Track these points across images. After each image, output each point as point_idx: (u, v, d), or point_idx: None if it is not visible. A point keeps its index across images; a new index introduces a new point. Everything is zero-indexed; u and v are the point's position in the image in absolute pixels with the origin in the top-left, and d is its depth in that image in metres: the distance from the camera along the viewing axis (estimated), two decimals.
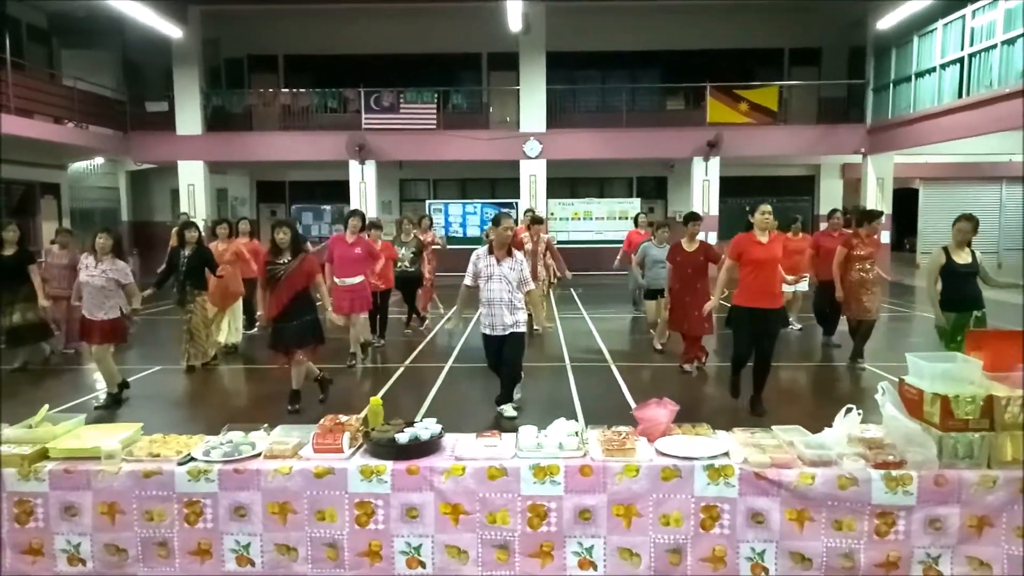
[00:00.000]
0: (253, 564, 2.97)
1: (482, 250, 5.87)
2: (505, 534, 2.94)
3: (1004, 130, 13.15)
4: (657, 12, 18.14)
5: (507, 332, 5.76)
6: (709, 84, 17.77)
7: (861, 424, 3.15)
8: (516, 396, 6.19)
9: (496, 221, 5.84)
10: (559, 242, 18.06)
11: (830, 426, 3.17)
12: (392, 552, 2.95)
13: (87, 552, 2.98)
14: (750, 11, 18.09)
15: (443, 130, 17.77)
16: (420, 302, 10.39)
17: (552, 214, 18.85)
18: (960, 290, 5.78)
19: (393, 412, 3.46)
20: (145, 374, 7.81)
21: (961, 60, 14.08)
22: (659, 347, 8.68)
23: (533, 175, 18.11)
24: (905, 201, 20.67)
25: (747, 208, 6.18)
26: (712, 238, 17.05)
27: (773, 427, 3.31)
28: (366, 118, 17.75)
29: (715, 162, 17.81)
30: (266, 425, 3.28)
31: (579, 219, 19.36)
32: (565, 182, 19.82)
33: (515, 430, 3.29)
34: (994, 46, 13.06)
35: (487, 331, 5.83)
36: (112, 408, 6.39)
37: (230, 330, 8.90)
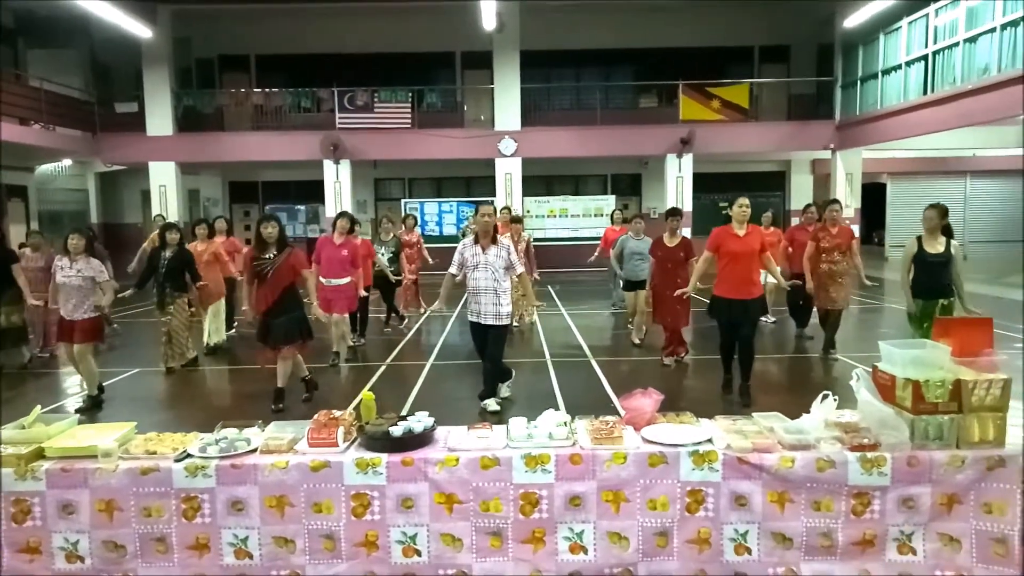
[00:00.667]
0: (251, 557, 3.02)
1: (468, 240, 5.95)
2: (498, 521, 3.03)
3: (968, 125, 13.54)
4: (630, 11, 18.32)
5: (491, 323, 5.83)
6: (681, 82, 17.99)
7: (837, 410, 3.29)
8: (506, 393, 6.29)
9: (476, 211, 5.94)
10: (535, 239, 18.22)
11: (808, 412, 3.30)
12: (388, 542, 3.01)
13: (85, 549, 3.01)
14: (721, 9, 18.35)
15: (418, 129, 17.78)
16: (399, 300, 10.43)
17: (528, 212, 18.95)
18: (929, 278, 5.96)
19: (377, 409, 3.52)
20: (124, 376, 7.76)
21: (926, 57, 14.44)
22: (637, 341, 8.83)
23: (508, 173, 18.20)
24: (874, 195, 21.09)
25: (720, 204, 6.38)
26: (686, 233, 17.28)
27: (754, 414, 3.43)
28: (340, 117, 17.70)
29: (688, 159, 18.04)
30: (260, 422, 3.33)
31: (555, 216, 19.48)
32: (540, 180, 19.93)
33: (502, 423, 3.38)
34: (957, 44, 13.41)
35: (473, 318, 5.91)
36: (93, 411, 6.35)
37: (212, 330, 8.87)
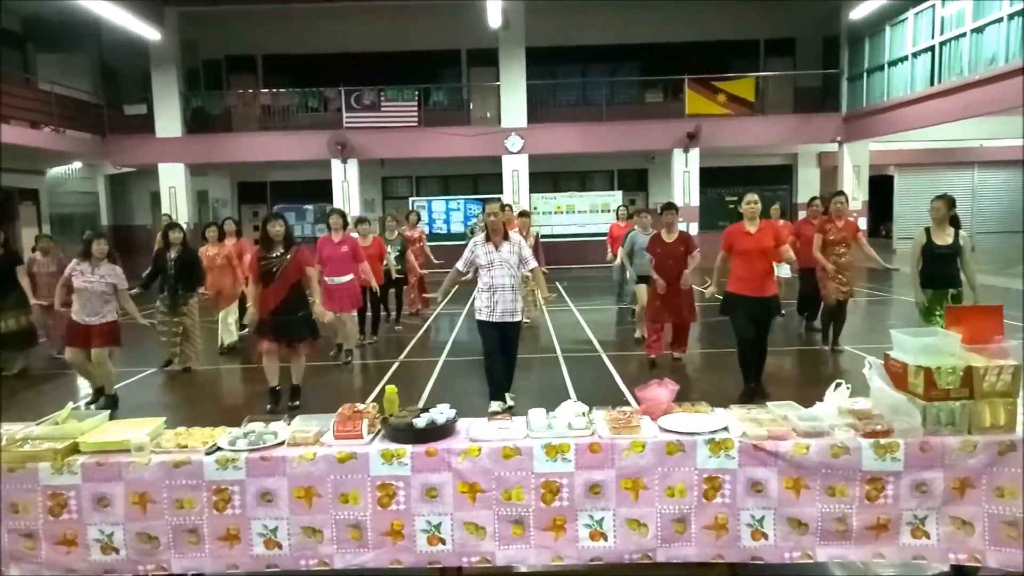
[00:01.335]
0: (280, 547, 3.10)
1: (479, 237, 5.85)
2: (520, 510, 3.10)
3: (975, 116, 13.53)
4: (634, 6, 18.35)
5: (510, 320, 5.74)
6: (687, 76, 18.04)
7: (850, 398, 3.35)
8: (510, 402, 6.01)
9: (484, 210, 5.85)
10: (543, 236, 18.27)
11: (820, 402, 3.37)
12: (414, 531, 3.09)
13: (120, 541, 3.09)
14: (725, 3, 18.36)
15: (424, 127, 17.88)
16: (406, 298, 10.50)
17: (535, 208, 19.03)
18: (938, 270, 5.97)
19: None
20: (139, 377, 7.85)
21: (932, 48, 14.44)
22: (640, 336, 8.81)
23: (515, 170, 18.27)
24: (881, 188, 21.09)
25: (727, 198, 6.35)
26: (693, 228, 17.35)
27: (768, 403, 3.50)
28: (347, 117, 17.80)
29: (695, 153, 18.08)
30: (286, 416, 3.41)
31: (562, 213, 19.55)
32: (547, 176, 20.00)
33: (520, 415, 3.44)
34: (964, 34, 13.41)
35: (486, 317, 5.73)
36: (111, 410, 6.43)
37: (225, 330, 8.97)
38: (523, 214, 10.08)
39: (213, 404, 6.90)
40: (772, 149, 19.72)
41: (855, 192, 17.89)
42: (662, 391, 3.43)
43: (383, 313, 10.13)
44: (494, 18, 15.03)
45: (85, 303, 6.24)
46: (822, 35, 18.93)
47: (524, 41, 17.85)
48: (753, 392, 6.01)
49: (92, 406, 6.31)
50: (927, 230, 6.03)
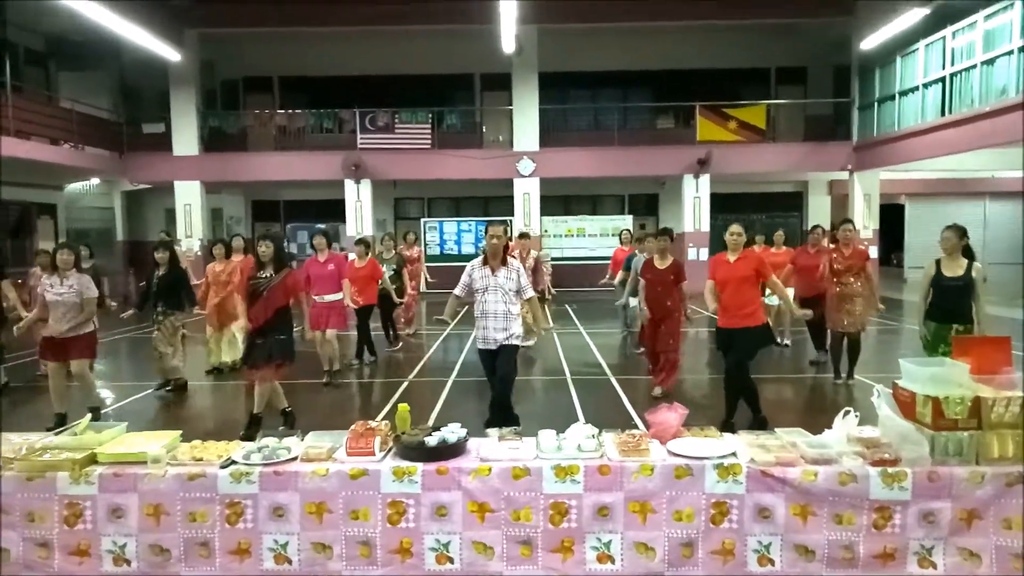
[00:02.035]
0: (290, 562, 3.13)
1: (476, 261, 5.72)
2: (528, 531, 3.13)
3: (986, 147, 13.56)
4: (647, 33, 18.55)
5: (498, 346, 5.57)
6: (698, 103, 18.17)
7: (858, 426, 3.37)
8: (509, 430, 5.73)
9: (486, 231, 5.67)
10: (553, 259, 18.35)
11: (829, 430, 3.39)
12: (423, 549, 3.12)
13: (132, 553, 3.14)
14: (737, 31, 18.53)
15: (437, 149, 18.06)
16: (398, 319, 10.49)
17: (546, 231, 19.14)
18: (944, 302, 5.74)
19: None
20: (141, 395, 7.85)
21: (943, 79, 14.51)
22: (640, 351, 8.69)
23: (527, 193, 18.40)
24: (892, 216, 21.09)
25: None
26: (704, 254, 17.39)
27: (776, 429, 3.52)
28: (361, 138, 18.01)
29: (705, 179, 18.17)
30: (299, 431, 3.46)
31: (572, 236, 19.65)
32: (558, 200, 20.11)
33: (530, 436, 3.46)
34: (974, 66, 13.49)
35: (481, 345, 5.68)
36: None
37: (226, 349, 8.95)
38: (523, 235, 10.06)
39: (201, 423, 6.71)
40: (783, 176, 19.78)
41: (866, 221, 17.91)
42: (671, 415, 3.46)
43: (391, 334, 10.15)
44: (508, 43, 15.24)
45: (59, 316, 6.08)
46: (833, 64, 19.05)
47: (537, 66, 18.06)
48: (730, 427, 5.68)
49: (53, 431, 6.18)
50: (937, 261, 5.82)
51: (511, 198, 18.54)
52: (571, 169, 18.21)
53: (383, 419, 3.73)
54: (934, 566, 3.08)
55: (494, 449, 3.26)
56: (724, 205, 19.16)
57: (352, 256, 8.99)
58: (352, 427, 3.35)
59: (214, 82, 19.81)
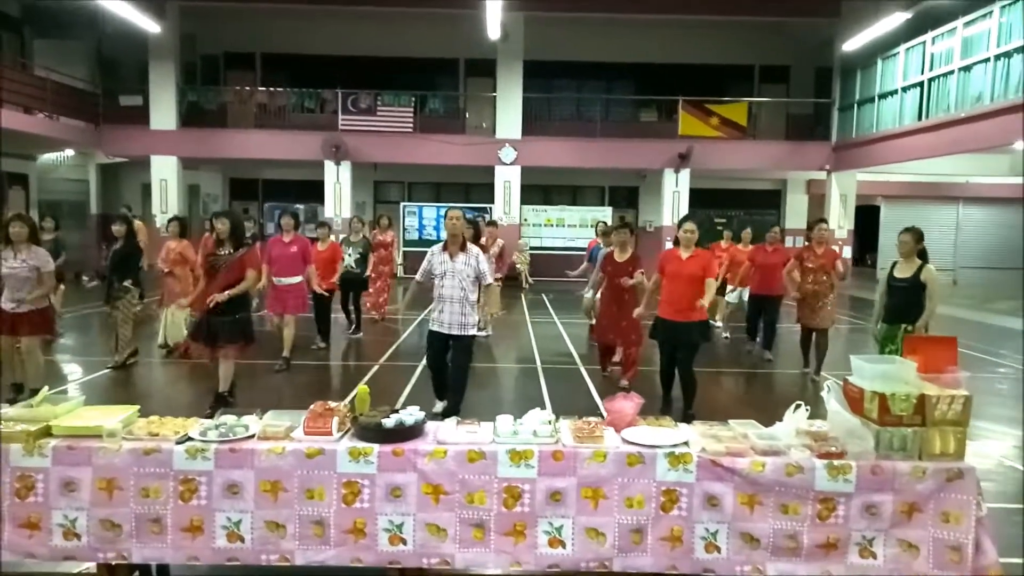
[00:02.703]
0: (243, 540, 3.13)
1: (437, 247, 5.77)
2: (482, 513, 3.16)
3: (960, 152, 13.80)
4: (633, 26, 18.57)
5: (456, 334, 5.62)
6: (681, 98, 18.26)
7: (808, 419, 3.44)
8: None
9: (446, 215, 5.69)
10: (531, 248, 18.38)
11: (780, 422, 3.46)
12: (376, 529, 3.15)
13: (83, 527, 3.12)
14: (723, 28, 18.61)
15: (419, 134, 17.99)
16: (371, 301, 10.43)
17: (526, 220, 19.15)
18: (894, 303, 5.97)
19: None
20: (101, 373, 7.79)
21: (921, 84, 14.69)
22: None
23: (507, 181, 18.40)
24: (868, 217, 21.37)
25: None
26: None
27: (730, 421, 3.59)
28: (343, 119, 17.89)
29: (685, 174, 18.27)
30: (258, 410, 3.47)
31: (552, 226, 19.68)
32: (539, 189, 20.14)
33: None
34: (952, 72, 13.67)
35: (434, 327, 5.71)
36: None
37: (172, 327, 8.58)
38: (491, 224, 10.10)
39: (162, 400, 6.68)
40: (762, 174, 19.96)
41: (841, 221, 18.15)
42: (628, 404, 3.51)
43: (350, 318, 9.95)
44: (493, 29, 15.19)
45: (12, 290, 5.96)
46: (816, 64, 19.22)
47: (522, 54, 18.02)
48: (669, 408, 6.13)
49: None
50: (894, 263, 6.04)
51: (492, 186, 18.53)
52: (552, 159, 18.22)
53: (348, 401, 3.74)
54: (874, 556, 3.16)
55: (451, 433, 3.29)
56: (703, 200, 19.29)
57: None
58: (311, 407, 3.36)
59: (194, 56, 19.55)
